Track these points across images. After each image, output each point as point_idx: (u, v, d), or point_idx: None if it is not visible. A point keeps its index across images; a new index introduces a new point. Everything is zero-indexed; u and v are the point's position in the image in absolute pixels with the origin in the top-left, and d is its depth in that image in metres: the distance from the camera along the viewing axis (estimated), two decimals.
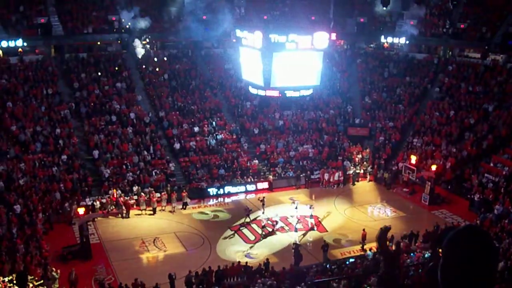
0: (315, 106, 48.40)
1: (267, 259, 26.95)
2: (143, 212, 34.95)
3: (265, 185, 39.76)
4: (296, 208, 34.92)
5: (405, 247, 27.39)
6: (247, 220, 33.71)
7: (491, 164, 37.60)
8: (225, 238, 31.86)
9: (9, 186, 33.01)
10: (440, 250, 2.75)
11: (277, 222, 33.39)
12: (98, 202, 34.55)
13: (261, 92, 34.41)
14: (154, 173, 38.23)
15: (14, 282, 19.75)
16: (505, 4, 48.75)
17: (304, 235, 32.33)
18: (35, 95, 41.99)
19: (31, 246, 26.72)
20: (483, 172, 37.21)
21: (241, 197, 38.47)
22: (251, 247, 30.60)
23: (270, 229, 32.51)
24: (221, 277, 25.65)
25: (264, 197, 35.81)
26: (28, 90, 42.18)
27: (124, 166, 38.07)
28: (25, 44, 44.27)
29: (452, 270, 2.64)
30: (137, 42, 47.01)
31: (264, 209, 35.09)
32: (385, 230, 3.40)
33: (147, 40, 48.35)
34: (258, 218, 34.03)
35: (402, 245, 25.98)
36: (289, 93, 34.09)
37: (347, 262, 26.57)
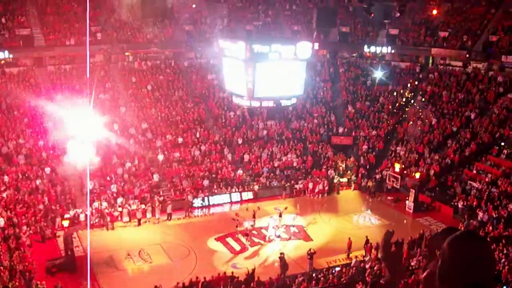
0: (299, 116, 48.52)
1: (253, 269, 26.90)
2: (127, 224, 34.75)
3: (250, 195, 39.70)
4: (280, 216, 34.79)
5: None
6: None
7: (474, 171, 37.94)
8: (211, 248, 31.78)
9: None
10: (438, 253, 2.82)
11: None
12: (82, 214, 34.29)
13: (245, 103, 34.50)
14: (138, 185, 38.04)
15: None
16: (485, 13, 49.47)
17: (288, 244, 32.34)
18: (18, 107, 41.68)
19: (15, 259, 26.44)
20: (466, 179, 37.55)
21: (226, 208, 38.43)
22: (237, 257, 30.54)
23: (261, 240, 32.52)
24: (208, 287, 25.57)
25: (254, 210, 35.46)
26: (11, 102, 41.87)
27: (108, 178, 37.86)
28: (10, 55, 43.85)
29: (451, 273, 2.71)
30: None
31: (254, 221, 34.66)
32: (389, 234, 3.46)
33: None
34: (243, 229, 33.92)
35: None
36: (269, 103, 34.39)
37: (333, 271, 26.64)
